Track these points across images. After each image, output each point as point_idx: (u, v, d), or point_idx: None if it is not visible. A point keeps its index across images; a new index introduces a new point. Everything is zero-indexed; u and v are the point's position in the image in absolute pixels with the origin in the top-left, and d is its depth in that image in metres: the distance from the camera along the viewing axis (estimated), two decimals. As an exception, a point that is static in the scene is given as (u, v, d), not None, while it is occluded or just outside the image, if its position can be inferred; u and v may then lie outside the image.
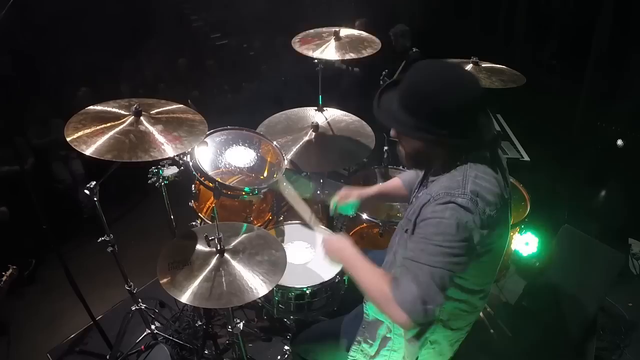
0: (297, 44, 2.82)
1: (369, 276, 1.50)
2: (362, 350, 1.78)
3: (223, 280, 1.80)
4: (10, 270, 2.19)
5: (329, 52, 2.74)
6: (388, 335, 1.70)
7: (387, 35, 4.84)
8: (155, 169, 2.41)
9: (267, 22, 6.33)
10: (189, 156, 2.44)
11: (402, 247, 1.52)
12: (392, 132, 1.53)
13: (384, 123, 1.48)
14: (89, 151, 1.77)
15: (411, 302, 1.31)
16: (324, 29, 2.94)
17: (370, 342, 1.75)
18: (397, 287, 1.37)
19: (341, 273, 2.28)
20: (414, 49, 4.72)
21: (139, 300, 2.60)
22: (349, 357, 1.82)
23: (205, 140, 2.50)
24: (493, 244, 1.43)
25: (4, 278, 2.15)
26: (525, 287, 3.17)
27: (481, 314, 2.87)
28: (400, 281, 1.37)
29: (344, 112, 3.06)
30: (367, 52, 2.80)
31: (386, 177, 3.25)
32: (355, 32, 3.01)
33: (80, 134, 1.83)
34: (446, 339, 1.64)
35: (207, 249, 1.92)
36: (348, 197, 2.10)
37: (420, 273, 1.34)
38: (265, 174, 2.60)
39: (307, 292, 2.21)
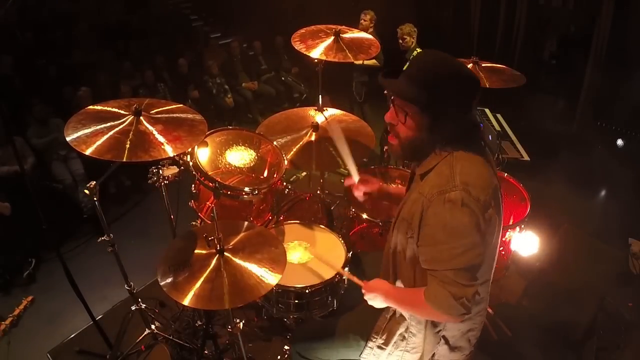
0: (297, 43, 2.82)
1: (408, 299, 1.63)
2: (374, 355, 1.80)
3: (223, 280, 1.79)
4: (28, 300, 2.18)
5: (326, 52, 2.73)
6: (404, 335, 1.73)
7: (394, 32, 4.83)
8: (155, 169, 2.41)
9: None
10: (189, 156, 2.44)
11: (410, 248, 1.57)
12: (388, 115, 1.53)
13: (390, 90, 1.49)
14: (89, 151, 1.76)
15: (446, 302, 1.45)
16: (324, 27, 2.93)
17: (384, 346, 1.77)
18: (429, 293, 1.49)
19: (340, 273, 2.28)
20: (419, 50, 4.71)
21: (139, 300, 2.60)
22: (361, 358, 1.84)
23: (205, 140, 2.50)
24: (494, 225, 1.46)
25: (20, 307, 2.14)
26: (525, 287, 3.18)
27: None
28: (431, 287, 1.49)
29: (344, 112, 3.06)
30: (363, 57, 2.81)
31: (386, 177, 3.25)
32: (356, 33, 3.00)
33: (80, 134, 1.83)
34: (458, 331, 1.68)
35: (207, 249, 1.92)
36: (368, 184, 2.04)
37: (444, 277, 1.44)
38: (265, 174, 2.60)
39: (307, 291, 2.21)
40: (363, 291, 1.77)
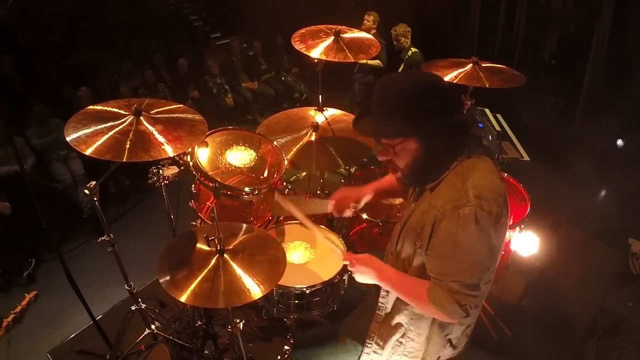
0: (297, 43, 2.82)
1: (409, 290, 1.60)
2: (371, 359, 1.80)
3: (223, 280, 1.79)
4: (31, 295, 2.18)
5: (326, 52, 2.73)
6: (401, 341, 1.72)
7: (389, 34, 4.85)
8: (155, 169, 2.41)
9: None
10: (189, 156, 2.44)
11: (418, 257, 1.56)
12: (380, 155, 1.51)
13: (381, 135, 1.49)
14: (89, 151, 1.76)
15: (450, 308, 1.47)
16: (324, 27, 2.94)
17: (380, 352, 1.77)
18: (435, 297, 1.49)
19: (341, 273, 2.28)
20: (414, 49, 4.72)
21: (139, 300, 2.60)
22: None
23: (205, 140, 2.50)
24: (504, 230, 1.47)
25: (23, 302, 2.14)
26: (525, 287, 3.18)
27: (481, 314, 2.88)
28: (436, 292, 1.48)
29: (344, 112, 3.06)
30: (364, 57, 2.81)
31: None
32: (356, 33, 3.00)
33: (80, 134, 1.83)
34: (460, 331, 1.70)
35: (207, 248, 1.92)
36: (346, 202, 2.03)
37: (450, 287, 1.45)
38: (265, 174, 2.60)
39: (307, 292, 2.21)
40: (347, 262, 1.70)
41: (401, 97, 1.39)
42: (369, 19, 5.08)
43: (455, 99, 1.46)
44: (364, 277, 1.67)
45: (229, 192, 2.38)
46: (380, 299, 1.74)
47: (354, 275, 1.70)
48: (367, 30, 4.83)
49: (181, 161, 2.45)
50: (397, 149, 1.45)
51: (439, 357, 1.73)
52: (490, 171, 1.45)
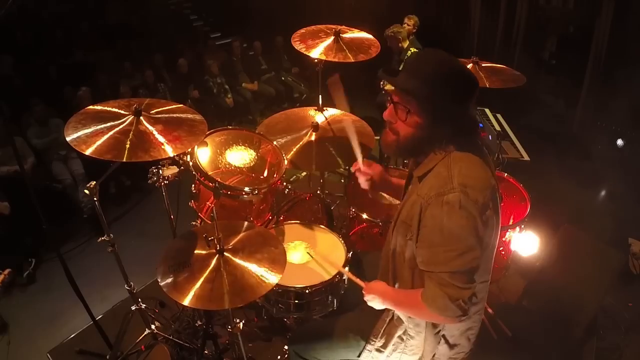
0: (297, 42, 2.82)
1: (405, 300, 1.63)
2: (372, 357, 1.81)
3: (223, 280, 1.79)
4: (6, 272, 2.18)
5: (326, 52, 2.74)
6: (402, 337, 1.73)
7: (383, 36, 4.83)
8: (155, 168, 2.41)
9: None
10: (189, 156, 2.44)
11: (409, 250, 1.56)
12: (387, 113, 1.51)
13: (391, 82, 1.48)
14: (88, 151, 1.76)
15: (442, 303, 1.44)
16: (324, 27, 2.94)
17: (382, 349, 1.78)
18: (427, 294, 1.47)
19: (340, 273, 2.28)
20: (413, 50, 4.70)
21: (139, 300, 2.60)
22: None
23: (205, 140, 2.50)
24: (492, 226, 1.46)
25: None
26: (525, 287, 3.18)
27: (481, 314, 2.88)
28: (428, 288, 1.47)
29: (344, 112, 3.06)
30: (363, 57, 2.81)
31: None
32: (356, 33, 3.00)
33: (80, 134, 1.83)
34: (458, 330, 1.68)
35: (207, 249, 1.92)
36: (371, 172, 1.95)
37: (440, 279, 1.43)
38: (265, 173, 2.60)
39: (307, 292, 2.21)
40: (363, 292, 1.77)
41: (438, 71, 1.41)
42: (409, 23, 4.91)
43: (475, 99, 1.48)
44: (374, 303, 1.74)
45: (229, 192, 2.38)
46: None
47: (369, 304, 1.76)
48: (407, 34, 4.72)
49: (181, 161, 2.45)
50: (407, 115, 1.45)
51: (434, 354, 1.72)
52: (478, 164, 1.46)
